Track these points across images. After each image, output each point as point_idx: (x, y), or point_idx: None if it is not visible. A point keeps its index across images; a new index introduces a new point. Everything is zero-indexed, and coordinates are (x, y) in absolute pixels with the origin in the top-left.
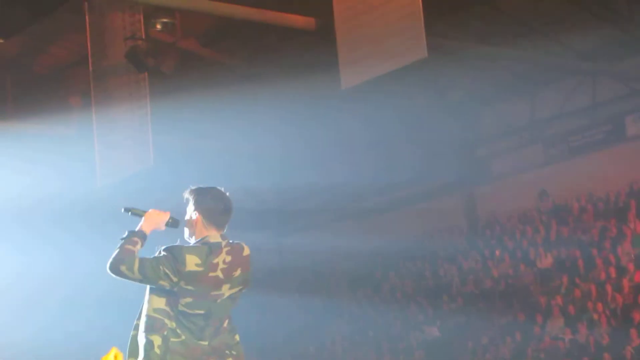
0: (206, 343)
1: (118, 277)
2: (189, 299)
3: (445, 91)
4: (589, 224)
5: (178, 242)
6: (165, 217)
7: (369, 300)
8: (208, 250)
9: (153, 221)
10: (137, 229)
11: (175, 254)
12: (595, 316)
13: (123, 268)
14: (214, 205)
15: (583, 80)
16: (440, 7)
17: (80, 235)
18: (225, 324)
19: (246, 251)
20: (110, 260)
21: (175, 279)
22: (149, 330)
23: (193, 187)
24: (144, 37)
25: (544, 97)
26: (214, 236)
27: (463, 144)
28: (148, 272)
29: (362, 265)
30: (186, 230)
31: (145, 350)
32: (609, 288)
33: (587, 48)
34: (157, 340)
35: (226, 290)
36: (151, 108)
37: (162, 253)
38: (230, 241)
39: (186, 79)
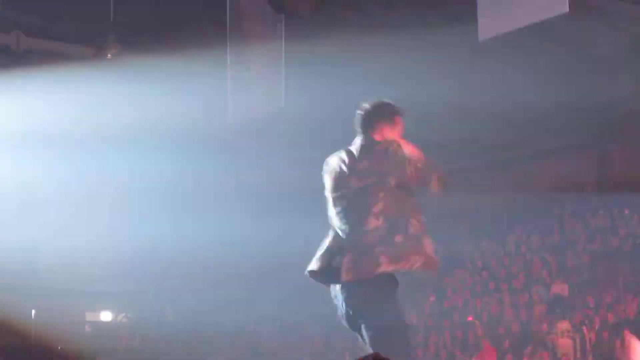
0: None
1: None
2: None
3: (585, 48)
4: None
5: None
6: None
7: (492, 252)
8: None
9: None
10: None
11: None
12: None
13: None
14: None
15: None
16: None
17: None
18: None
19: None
20: None
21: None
22: None
23: None
24: None
25: None
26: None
27: (600, 102)
28: None
29: (488, 217)
30: None
31: None
32: None
33: None
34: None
35: (355, 182)
36: (285, 50)
37: None
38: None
39: (323, 24)
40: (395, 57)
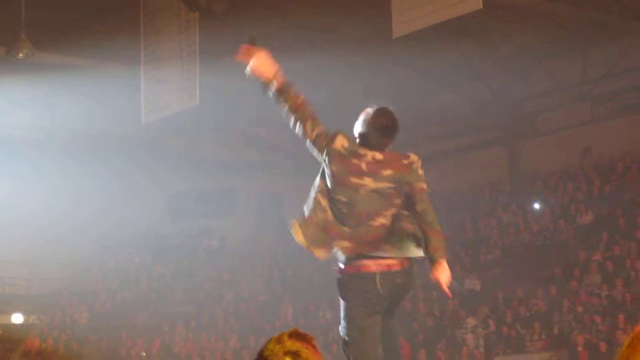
0: (346, 229)
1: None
2: (332, 183)
3: (498, 45)
4: (632, 183)
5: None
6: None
7: None
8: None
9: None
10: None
11: (332, 131)
12: (633, 273)
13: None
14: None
15: (635, 41)
16: None
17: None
18: (379, 222)
19: (410, 159)
20: None
21: (322, 149)
22: (306, 204)
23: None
24: None
25: (595, 56)
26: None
27: (512, 98)
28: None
29: None
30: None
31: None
32: None
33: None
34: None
35: (370, 183)
36: (200, 47)
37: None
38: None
39: (237, 21)
40: (312, 55)
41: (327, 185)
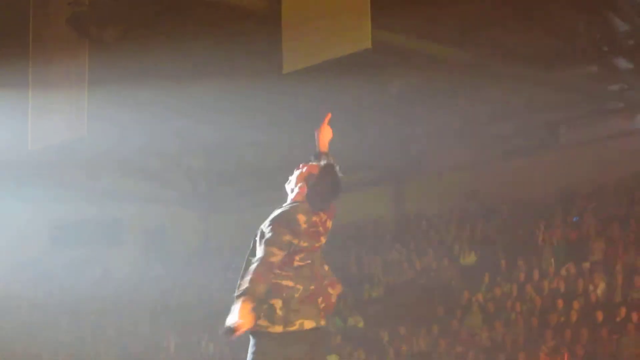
0: (313, 287)
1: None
2: (302, 254)
3: (386, 84)
4: (514, 226)
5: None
6: None
7: None
8: (308, 208)
9: None
10: None
11: (288, 219)
12: (513, 315)
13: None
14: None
15: (520, 85)
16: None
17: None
18: (324, 270)
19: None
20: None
21: (295, 241)
22: (269, 296)
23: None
24: (87, 3)
25: (481, 99)
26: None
27: (397, 138)
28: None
29: None
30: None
31: (268, 315)
32: (529, 289)
33: (527, 53)
34: (278, 303)
35: (323, 240)
36: (89, 76)
37: (272, 227)
38: None
39: (129, 50)
40: (201, 87)
41: (291, 263)
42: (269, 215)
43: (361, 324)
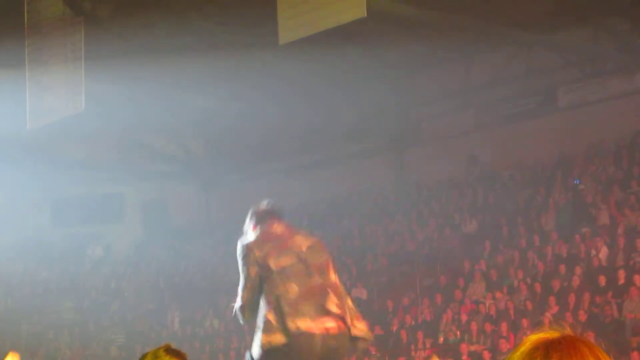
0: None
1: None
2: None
3: (383, 53)
4: (515, 191)
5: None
6: None
7: None
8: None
9: None
10: None
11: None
12: (516, 282)
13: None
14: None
15: (518, 50)
16: None
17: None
18: None
19: None
20: None
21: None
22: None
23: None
24: None
25: (479, 64)
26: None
27: (397, 106)
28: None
29: (290, 221)
30: None
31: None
32: (531, 255)
33: (525, 18)
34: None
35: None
36: (85, 53)
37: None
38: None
39: (123, 25)
40: (199, 58)
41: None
42: (266, 188)
43: (364, 295)
